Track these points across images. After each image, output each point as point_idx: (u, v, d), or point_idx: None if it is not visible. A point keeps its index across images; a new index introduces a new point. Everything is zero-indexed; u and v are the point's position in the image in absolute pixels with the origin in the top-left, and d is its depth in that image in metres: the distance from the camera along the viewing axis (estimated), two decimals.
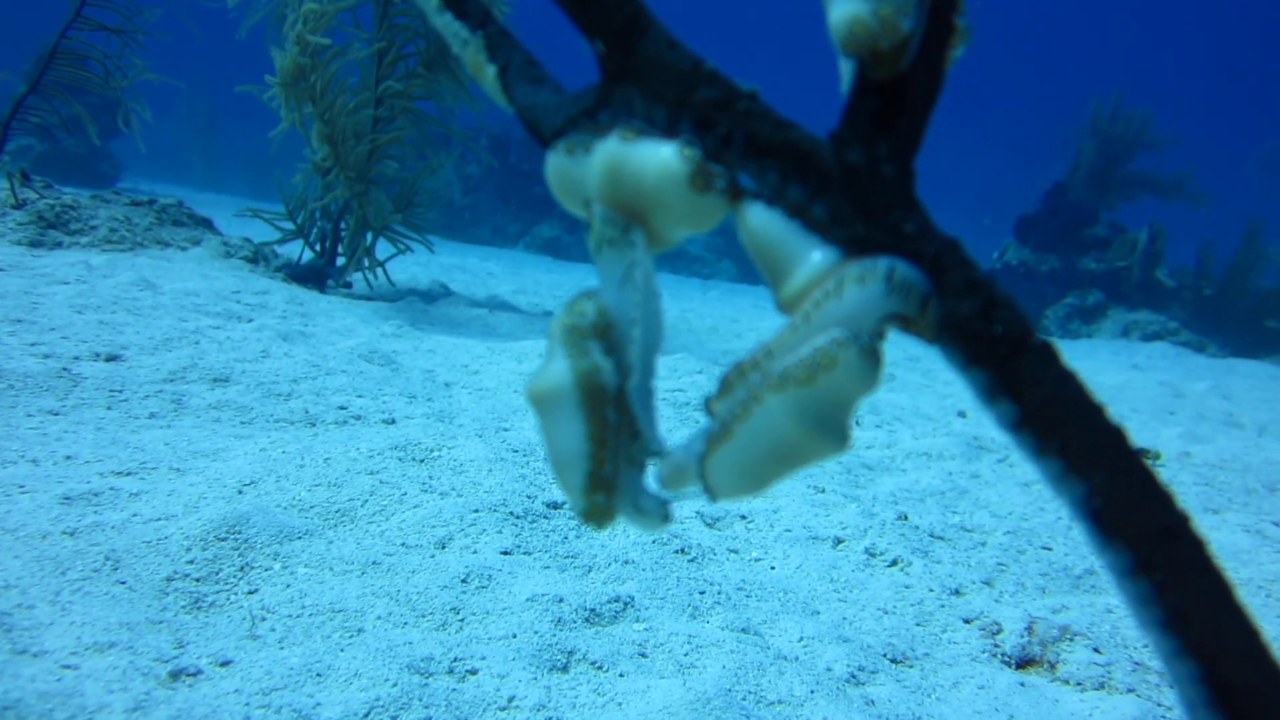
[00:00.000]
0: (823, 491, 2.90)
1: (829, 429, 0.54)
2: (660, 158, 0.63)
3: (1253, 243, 12.75)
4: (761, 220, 0.63)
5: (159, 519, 2.11)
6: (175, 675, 1.53)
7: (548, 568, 2.12)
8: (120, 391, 3.22)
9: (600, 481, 0.61)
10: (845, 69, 0.67)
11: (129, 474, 2.41)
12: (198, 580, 1.88)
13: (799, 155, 0.64)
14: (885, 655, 1.97)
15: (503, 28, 0.78)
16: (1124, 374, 7.47)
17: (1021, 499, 3.17)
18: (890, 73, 0.62)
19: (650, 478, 0.64)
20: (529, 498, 2.46)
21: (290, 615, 1.80)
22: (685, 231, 0.66)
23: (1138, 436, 4.37)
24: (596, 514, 0.60)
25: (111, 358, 3.56)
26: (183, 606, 1.79)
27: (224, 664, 1.60)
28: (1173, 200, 14.47)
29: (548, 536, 2.28)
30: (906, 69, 0.63)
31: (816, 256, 0.62)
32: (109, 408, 3.09)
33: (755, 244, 0.64)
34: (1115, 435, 0.52)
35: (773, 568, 2.35)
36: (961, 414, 4.61)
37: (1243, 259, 12.69)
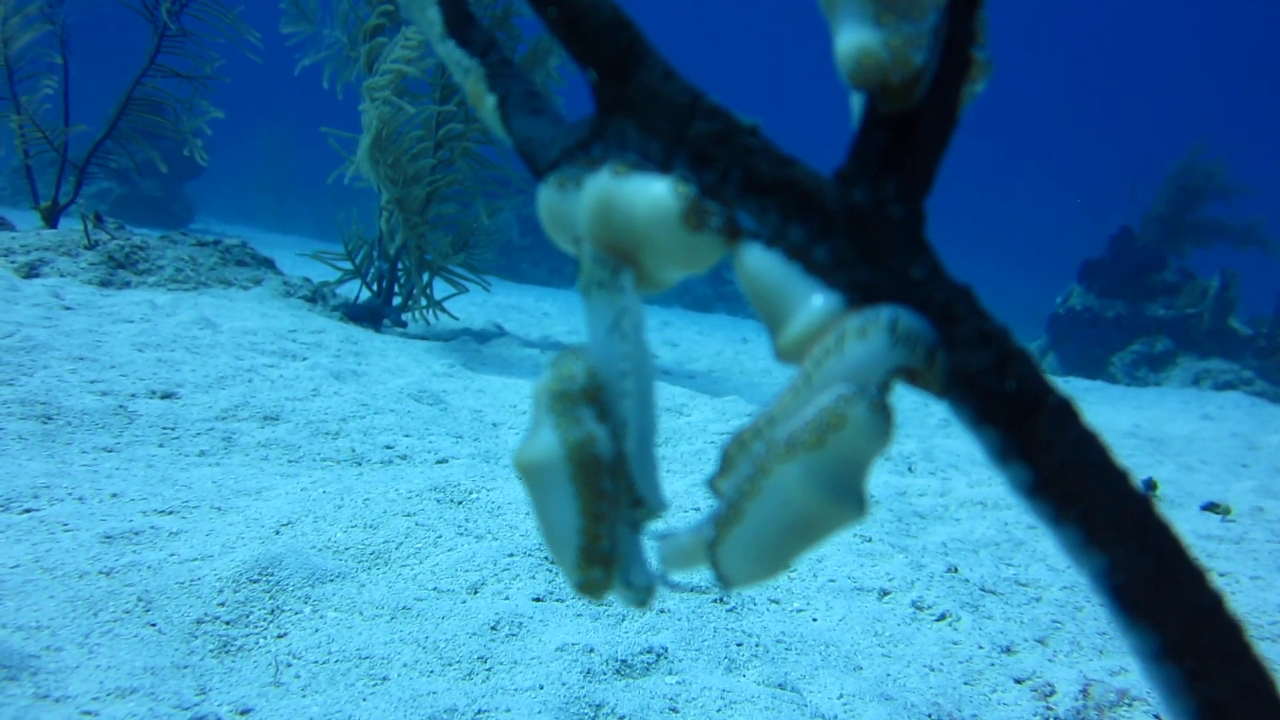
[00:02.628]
0: (870, 541, 2.81)
1: (845, 495, 0.49)
2: (652, 194, 0.59)
3: None
4: (760, 262, 0.59)
5: (195, 559, 2.11)
6: None
7: (580, 615, 2.07)
8: (173, 429, 3.26)
9: (597, 556, 0.56)
10: (856, 103, 0.63)
11: (171, 513, 2.42)
12: (228, 623, 1.86)
13: (801, 194, 0.60)
14: (930, 715, 1.88)
15: (506, 57, 0.75)
16: (1194, 424, 7.22)
17: None
18: (901, 108, 0.58)
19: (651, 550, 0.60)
20: None
21: (316, 661, 1.77)
22: (678, 273, 0.62)
23: (1207, 490, 4.20)
24: (593, 589, 0.56)
25: (167, 395, 3.61)
26: (210, 650, 1.77)
27: (244, 713, 1.57)
28: (1246, 247, 14.08)
29: None
30: (918, 104, 0.58)
31: (817, 302, 0.57)
32: (161, 445, 3.13)
33: (753, 287, 0.60)
34: (1141, 504, 0.46)
35: (815, 619, 2.27)
36: None
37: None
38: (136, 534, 2.21)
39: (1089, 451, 0.48)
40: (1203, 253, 14.05)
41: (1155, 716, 1.89)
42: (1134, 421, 6.63)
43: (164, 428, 3.27)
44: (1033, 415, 0.49)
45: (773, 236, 0.60)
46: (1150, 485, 3.89)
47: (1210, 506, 3.76)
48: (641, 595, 0.59)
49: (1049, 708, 1.94)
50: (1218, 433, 6.68)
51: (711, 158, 0.62)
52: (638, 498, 0.59)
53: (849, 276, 0.57)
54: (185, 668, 1.68)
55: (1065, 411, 0.49)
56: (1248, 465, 5.37)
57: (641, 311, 0.61)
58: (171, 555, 2.11)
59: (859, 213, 0.57)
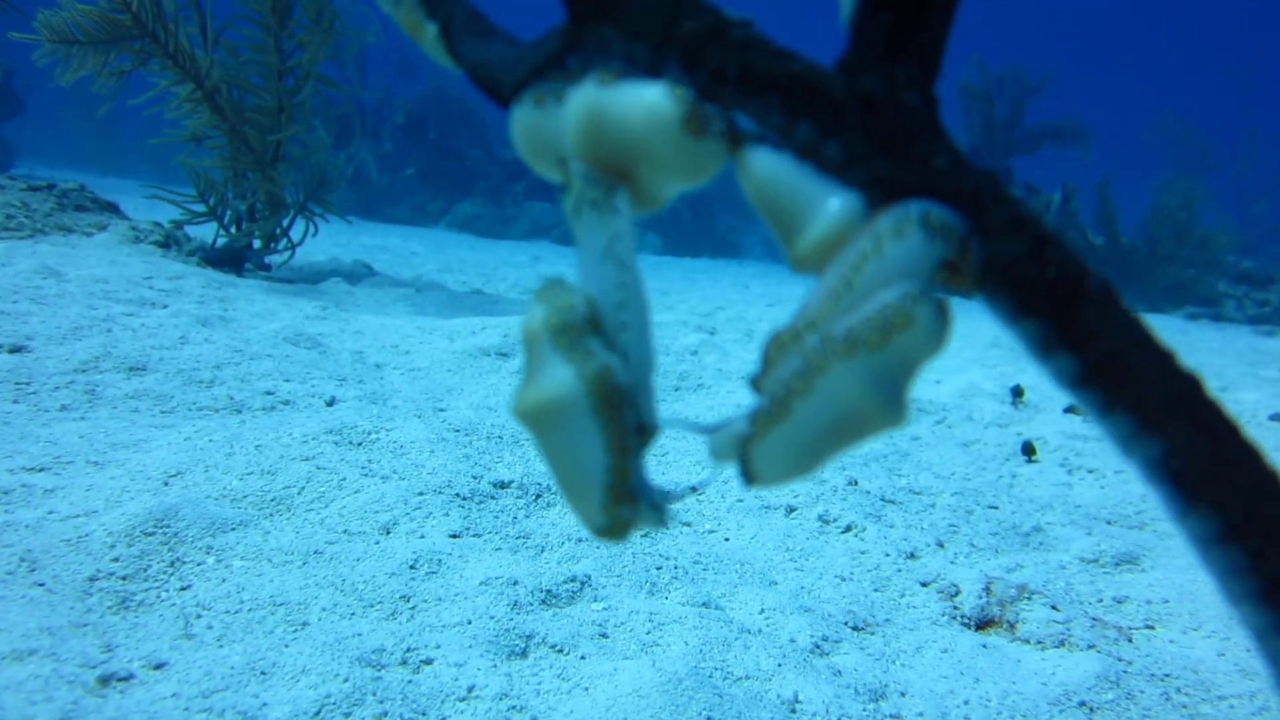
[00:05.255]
0: None
1: (896, 398, 0.48)
2: (647, 100, 0.55)
3: (1105, 198, 12.80)
4: (768, 166, 0.56)
5: (78, 515, 1.98)
6: (104, 681, 1.42)
7: (499, 549, 2.04)
8: (28, 384, 3.04)
9: (625, 493, 0.53)
10: None
11: (42, 469, 2.26)
12: (124, 579, 1.76)
13: (805, 88, 0.57)
14: (847, 623, 1.94)
15: None
16: None
17: (963, 459, 3.18)
18: None
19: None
20: (475, 478, 2.37)
21: (228, 611, 1.69)
22: (678, 185, 0.58)
23: (1069, 395, 4.43)
24: (621, 529, 0.53)
25: (16, 349, 3.36)
26: (109, 607, 1.67)
27: (158, 666, 1.49)
28: (1071, 147, 14.84)
29: (497, 517, 2.21)
30: None
31: (835, 203, 0.55)
32: (15, 401, 2.91)
33: (762, 194, 0.57)
34: (1191, 385, 0.46)
35: (727, 539, 2.30)
36: None
37: (1103, 213, 12.80)
38: (6, 493, 2.06)
39: (1135, 335, 0.48)
40: (1032, 160, 14.84)
41: (1052, 607, 2.00)
42: (994, 333, 6.92)
43: (16, 383, 3.04)
44: (1075, 302, 0.49)
45: (778, 138, 0.57)
46: (1018, 391, 4.09)
47: (1071, 409, 3.98)
48: (663, 515, 0.56)
49: (955, 607, 2.03)
50: None
51: (704, 57, 0.58)
52: (642, 425, 0.56)
53: (866, 172, 0.55)
54: (85, 625, 1.58)
55: (1108, 296, 0.49)
56: None
57: (633, 237, 0.58)
58: (50, 513, 1.98)
59: (871, 102, 0.55)
